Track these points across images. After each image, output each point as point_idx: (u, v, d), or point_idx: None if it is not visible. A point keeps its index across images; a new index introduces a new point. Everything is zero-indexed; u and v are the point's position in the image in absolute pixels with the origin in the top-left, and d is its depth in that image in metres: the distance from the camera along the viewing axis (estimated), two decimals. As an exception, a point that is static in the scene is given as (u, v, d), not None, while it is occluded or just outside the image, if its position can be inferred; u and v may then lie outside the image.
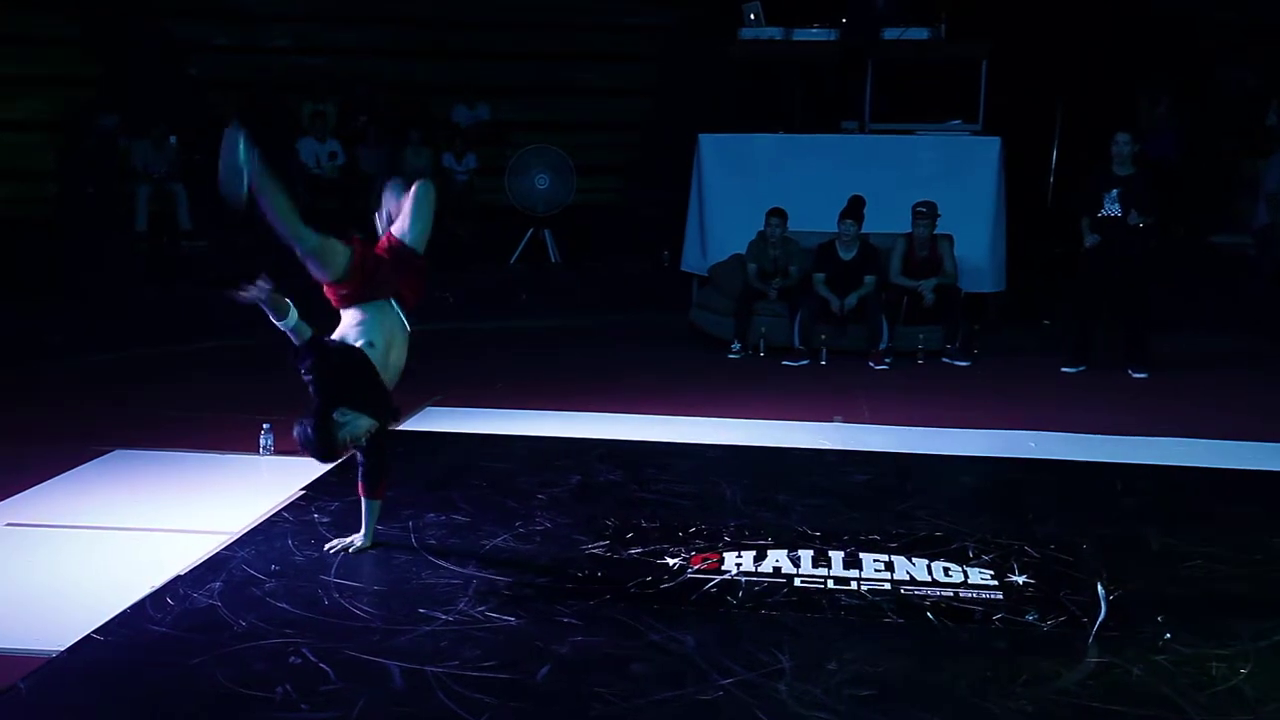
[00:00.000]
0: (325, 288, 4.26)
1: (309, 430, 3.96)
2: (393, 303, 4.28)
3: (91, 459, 5.63)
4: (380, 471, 4.36)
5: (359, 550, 4.38)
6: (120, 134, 10.60)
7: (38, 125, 10.91)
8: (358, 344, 4.14)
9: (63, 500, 5.05)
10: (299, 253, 4.09)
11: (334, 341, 4.15)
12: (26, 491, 5.10)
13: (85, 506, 4.97)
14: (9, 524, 4.70)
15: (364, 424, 4.05)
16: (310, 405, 4.02)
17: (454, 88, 12.84)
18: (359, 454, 4.27)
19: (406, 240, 4.40)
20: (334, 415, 3.98)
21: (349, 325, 4.22)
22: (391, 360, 4.23)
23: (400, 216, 4.44)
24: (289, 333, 4.02)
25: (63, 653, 3.51)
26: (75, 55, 11.42)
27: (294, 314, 4.00)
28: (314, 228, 4.12)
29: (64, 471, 5.40)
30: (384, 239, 4.44)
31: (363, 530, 4.41)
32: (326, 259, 4.12)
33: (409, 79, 12.85)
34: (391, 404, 4.23)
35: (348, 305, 4.26)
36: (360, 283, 4.20)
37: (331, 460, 4.20)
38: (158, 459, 5.69)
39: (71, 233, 10.01)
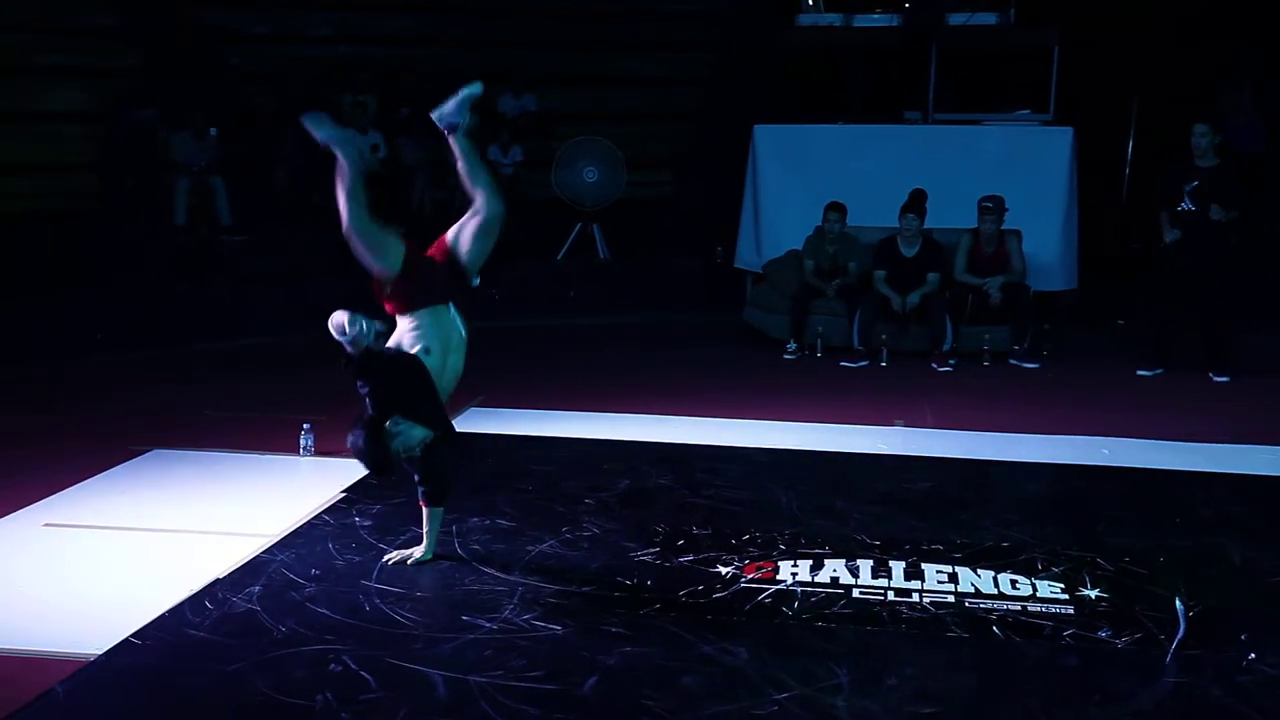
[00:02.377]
0: (380, 294, 4.21)
1: (361, 441, 3.94)
2: (450, 307, 4.22)
3: (129, 458, 5.73)
4: (439, 480, 4.31)
5: (419, 562, 4.34)
6: (160, 126, 10.75)
7: (76, 117, 11.10)
8: (414, 350, 4.10)
9: (100, 500, 5.15)
10: (348, 234, 4.09)
11: (389, 349, 4.10)
12: (63, 491, 5.20)
13: (122, 507, 5.06)
14: (46, 524, 4.80)
15: (418, 434, 4.03)
16: (362, 414, 3.99)
17: (499, 77, 12.88)
18: (412, 464, 4.22)
19: (463, 261, 4.30)
20: (387, 425, 3.95)
21: (405, 331, 4.17)
22: (449, 366, 4.18)
23: (464, 233, 4.31)
24: (347, 344, 3.90)
25: (100, 656, 3.57)
26: (112, 45, 11.61)
27: (363, 322, 3.87)
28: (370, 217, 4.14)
29: (101, 471, 5.51)
30: (438, 243, 4.36)
31: (424, 543, 4.38)
32: (375, 246, 4.11)
33: (452, 68, 12.90)
34: (446, 416, 4.19)
35: (403, 311, 4.19)
36: (412, 284, 4.14)
37: (386, 473, 4.14)
38: (196, 459, 5.79)
39: (111, 227, 10.18)
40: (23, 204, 10.41)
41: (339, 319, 3.84)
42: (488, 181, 4.38)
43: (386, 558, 4.38)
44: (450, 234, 4.34)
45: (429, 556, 4.37)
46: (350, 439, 3.97)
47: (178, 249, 10.28)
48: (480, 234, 4.30)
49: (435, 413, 4.10)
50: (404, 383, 4.01)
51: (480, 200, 4.32)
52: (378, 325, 3.93)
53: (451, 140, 4.41)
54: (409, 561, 4.35)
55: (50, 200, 10.63)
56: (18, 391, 7.37)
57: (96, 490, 5.29)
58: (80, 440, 6.08)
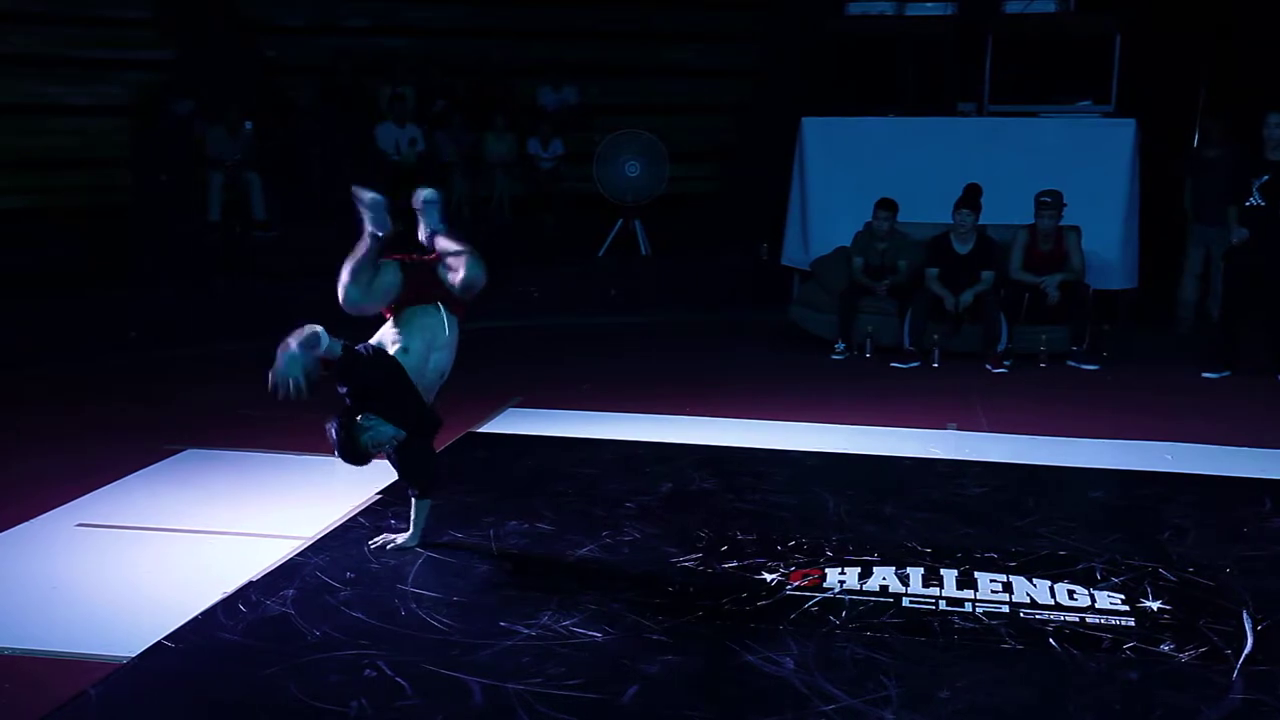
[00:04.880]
0: None
1: (334, 433, 4.21)
2: (439, 306, 4.41)
3: (163, 458, 5.80)
4: (418, 474, 4.51)
5: (401, 548, 4.51)
6: (194, 119, 10.88)
7: (110, 111, 11.25)
8: (392, 348, 4.31)
9: (133, 500, 5.23)
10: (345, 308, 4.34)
11: (368, 347, 4.30)
12: (97, 491, 5.28)
13: (156, 507, 5.13)
14: (79, 524, 4.87)
15: (387, 431, 4.26)
16: (340, 406, 4.24)
17: (539, 68, 12.93)
18: (390, 459, 4.46)
19: (455, 287, 4.47)
20: (358, 419, 4.20)
21: (388, 328, 4.40)
22: (431, 364, 4.36)
23: (452, 269, 4.49)
24: (323, 353, 4.12)
25: (133, 659, 3.63)
26: (147, 37, 11.76)
27: (324, 338, 4.08)
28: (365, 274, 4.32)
29: (135, 471, 5.59)
30: (434, 256, 4.56)
31: (410, 529, 4.57)
32: (374, 305, 4.37)
33: (491, 60, 12.99)
34: (428, 413, 4.37)
35: (390, 312, 4.44)
36: (408, 294, 4.40)
37: (358, 464, 4.36)
38: (231, 459, 5.86)
39: (146, 222, 10.31)
40: (56, 199, 10.57)
41: (304, 339, 4.02)
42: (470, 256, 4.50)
43: (371, 542, 4.57)
44: (446, 268, 4.51)
45: (414, 544, 4.53)
46: (327, 429, 4.22)
47: (212, 245, 10.40)
48: (471, 272, 4.45)
49: (407, 411, 4.28)
50: (378, 380, 4.22)
51: (461, 268, 4.45)
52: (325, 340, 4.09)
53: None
54: (389, 547, 4.52)
55: (84, 195, 10.78)
56: (50, 390, 7.49)
57: (130, 490, 5.36)
58: (113, 439, 6.16)
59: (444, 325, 4.40)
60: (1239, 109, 9.14)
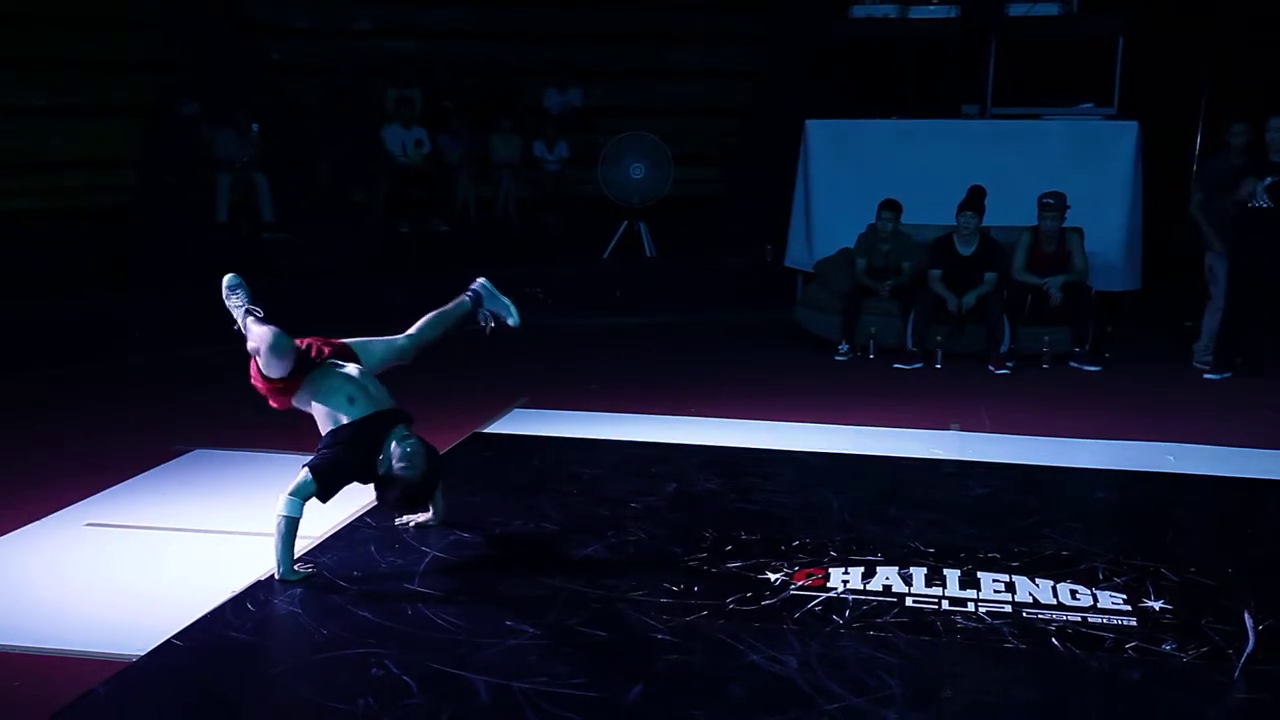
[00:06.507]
0: (271, 397, 4.60)
1: (392, 499, 4.49)
2: (323, 375, 4.49)
3: (172, 458, 5.82)
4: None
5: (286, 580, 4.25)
6: (202, 121, 10.90)
7: (118, 111, 11.27)
8: (345, 412, 4.38)
9: (142, 500, 5.24)
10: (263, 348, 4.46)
11: (341, 450, 4.35)
12: (105, 491, 5.30)
13: (164, 507, 5.14)
14: (88, 524, 4.89)
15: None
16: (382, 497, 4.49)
17: (544, 71, 12.95)
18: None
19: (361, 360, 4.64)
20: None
21: (321, 412, 4.47)
22: (374, 390, 4.47)
23: (376, 347, 4.74)
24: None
25: (142, 658, 3.64)
26: (156, 40, 11.79)
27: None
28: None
29: (143, 471, 5.60)
30: (335, 343, 4.68)
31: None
32: (283, 355, 4.44)
33: (497, 62, 13.01)
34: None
35: (292, 393, 4.52)
36: (297, 375, 4.48)
37: (427, 484, 4.52)
38: (239, 459, 5.87)
39: (152, 223, 10.34)
40: (64, 200, 10.59)
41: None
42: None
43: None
44: (355, 343, 4.70)
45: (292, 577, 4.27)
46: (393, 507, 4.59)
47: (219, 246, 10.42)
48: (392, 360, 4.72)
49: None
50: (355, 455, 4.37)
51: (411, 343, 4.76)
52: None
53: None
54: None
55: (92, 196, 10.81)
56: (57, 391, 7.51)
57: (138, 490, 5.38)
58: (122, 440, 6.18)
59: (348, 373, 4.50)
60: (1242, 111, 9.13)
